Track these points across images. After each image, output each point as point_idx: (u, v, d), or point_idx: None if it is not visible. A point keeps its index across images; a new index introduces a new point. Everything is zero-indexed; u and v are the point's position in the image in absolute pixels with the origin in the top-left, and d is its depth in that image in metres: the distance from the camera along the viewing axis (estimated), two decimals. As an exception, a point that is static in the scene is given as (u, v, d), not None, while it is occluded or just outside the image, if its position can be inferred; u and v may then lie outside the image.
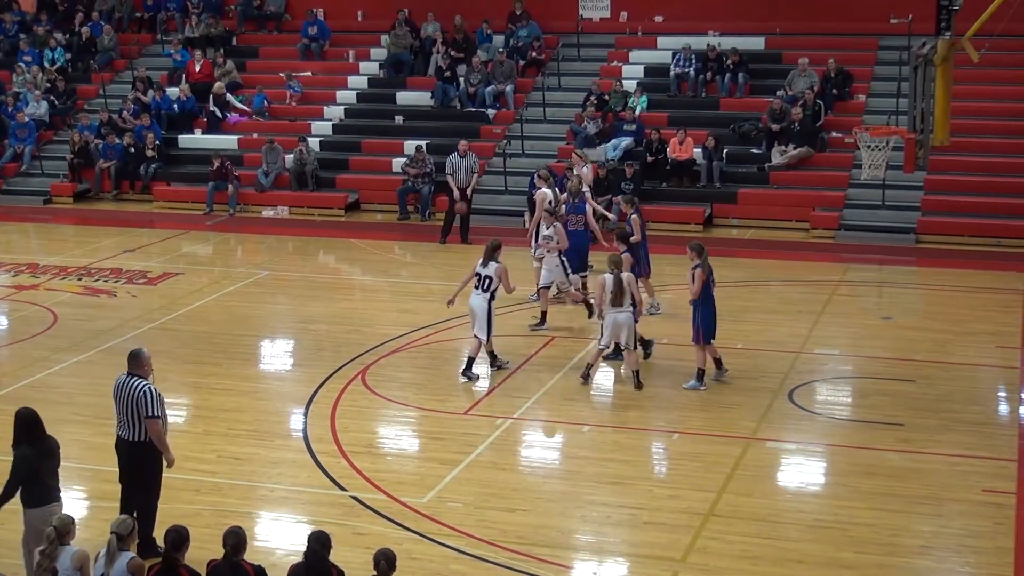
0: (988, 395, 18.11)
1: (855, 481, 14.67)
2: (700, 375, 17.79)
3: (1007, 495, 14.16)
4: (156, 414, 12.47)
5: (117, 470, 12.84)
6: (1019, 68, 30.46)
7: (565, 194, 22.16)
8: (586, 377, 17.96)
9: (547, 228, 20.74)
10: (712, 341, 17.81)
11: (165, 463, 12.65)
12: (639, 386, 17.69)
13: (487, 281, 18.12)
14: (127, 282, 23.96)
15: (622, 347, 17.71)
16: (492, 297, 18.20)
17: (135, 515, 11.59)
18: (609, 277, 17.42)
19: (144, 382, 12.56)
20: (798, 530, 13.43)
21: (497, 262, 18.22)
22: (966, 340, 20.11)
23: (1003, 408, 17.53)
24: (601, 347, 17.89)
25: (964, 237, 26.59)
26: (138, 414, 12.46)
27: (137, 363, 12.72)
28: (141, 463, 12.61)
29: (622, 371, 18.30)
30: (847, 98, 30.72)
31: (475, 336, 18.31)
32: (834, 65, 30.52)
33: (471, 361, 18.37)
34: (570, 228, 21.14)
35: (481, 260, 18.34)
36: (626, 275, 17.50)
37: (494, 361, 18.54)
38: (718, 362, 18.02)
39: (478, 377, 18.25)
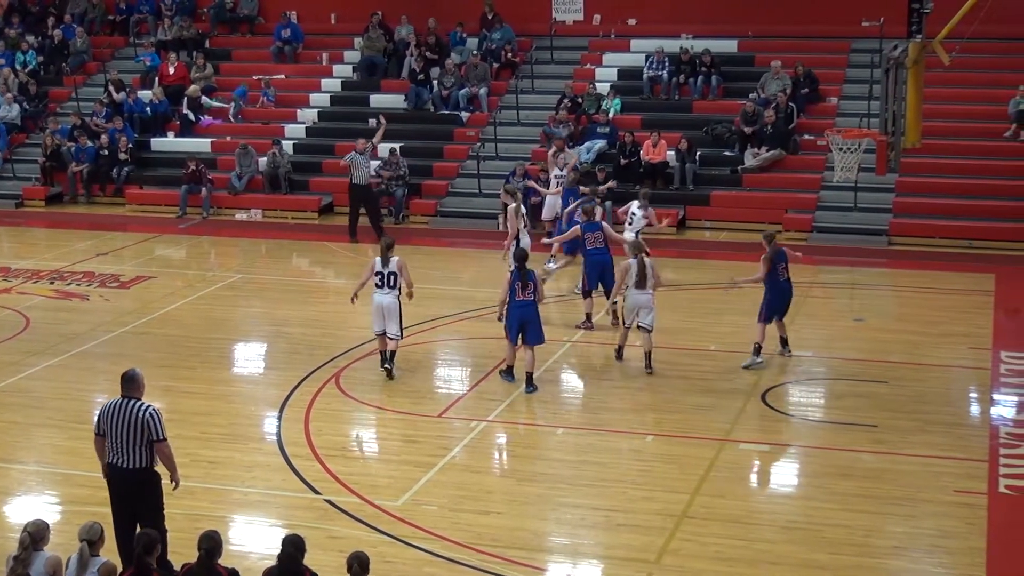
0: (960, 396, 18.21)
1: (829, 482, 14.72)
2: (757, 350, 18.76)
3: (979, 495, 14.23)
4: (166, 436, 11.83)
5: (91, 475, 12.66)
6: (989, 71, 30.64)
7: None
8: (620, 355, 19.12)
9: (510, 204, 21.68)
10: (779, 320, 19.00)
11: (172, 483, 12.05)
12: (649, 368, 18.57)
13: (392, 278, 18.16)
14: (100, 285, 23.88)
15: (641, 326, 18.62)
16: (399, 292, 18.27)
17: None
18: (633, 262, 18.54)
19: (145, 404, 11.86)
20: (772, 531, 13.47)
21: (396, 257, 18.28)
22: (938, 341, 20.20)
23: (975, 409, 17.62)
24: (627, 326, 19.01)
25: (936, 239, 26.72)
26: (141, 439, 11.71)
27: (133, 385, 11.96)
28: (144, 490, 11.86)
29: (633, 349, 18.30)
30: (819, 101, 30.84)
31: (388, 337, 18.28)
32: (802, 69, 30.61)
33: (392, 355, 18.43)
34: (589, 247, 20.97)
35: (380, 260, 18.21)
36: (650, 260, 18.82)
37: (392, 359, 18.47)
38: (783, 341, 19.12)
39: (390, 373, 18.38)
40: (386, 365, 18.38)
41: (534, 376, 17.91)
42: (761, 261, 18.75)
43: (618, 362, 19.00)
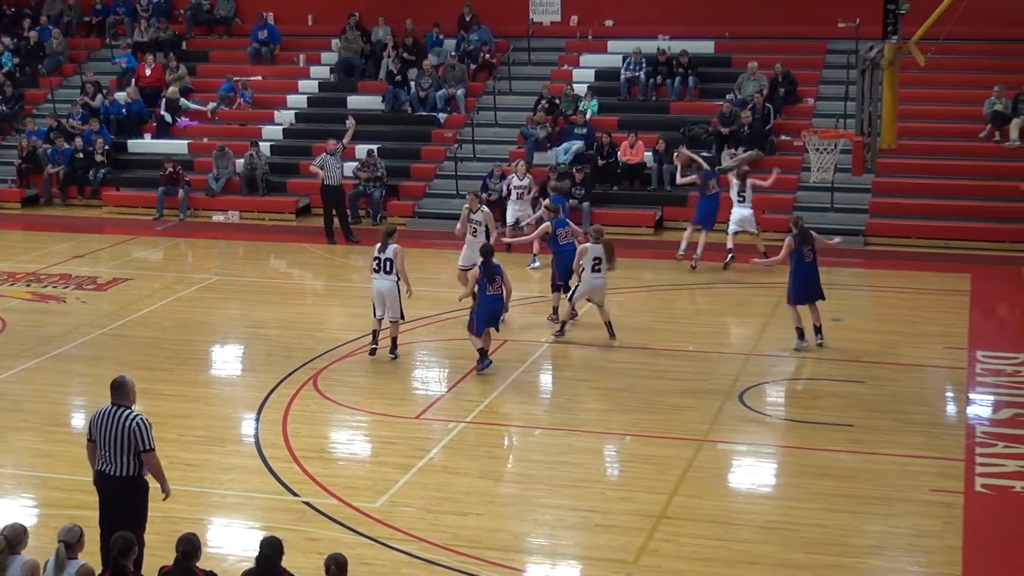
0: (937, 396, 18.26)
1: (806, 482, 14.76)
2: (800, 333, 19.50)
3: (955, 495, 14.28)
4: (153, 446, 11.74)
5: (68, 478, 12.61)
6: (965, 71, 30.75)
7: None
8: (561, 331, 20.16)
9: (474, 213, 21.12)
10: (812, 306, 19.61)
11: (162, 494, 12.00)
12: (613, 335, 19.86)
13: (388, 264, 18.98)
14: (77, 288, 23.80)
15: (597, 303, 19.96)
16: (398, 278, 19.03)
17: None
18: (591, 246, 19.59)
19: (134, 413, 11.75)
20: (750, 531, 13.50)
21: (394, 244, 19.09)
22: (915, 341, 20.28)
23: (951, 408, 17.68)
24: (573, 301, 20.01)
25: (912, 239, 26.83)
26: (129, 448, 11.64)
27: (122, 392, 11.82)
28: (129, 498, 11.81)
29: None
30: (796, 101, 30.91)
31: (390, 321, 19.24)
32: (781, 69, 30.73)
33: (394, 340, 19.31)
34: (561, 242, 20.87)
35: (379, 245, 19.10)
36: (608, 245, 19.71)
37: (394, 345, 19.36)
38: (817, 329, 19.64)
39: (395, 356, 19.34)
40: (391, 353, 19.23)
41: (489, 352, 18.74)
42: (785, 243, 19.57)
43: (558, 336, 20.05)
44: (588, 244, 19.70)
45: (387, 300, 19.06)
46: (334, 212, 27.84)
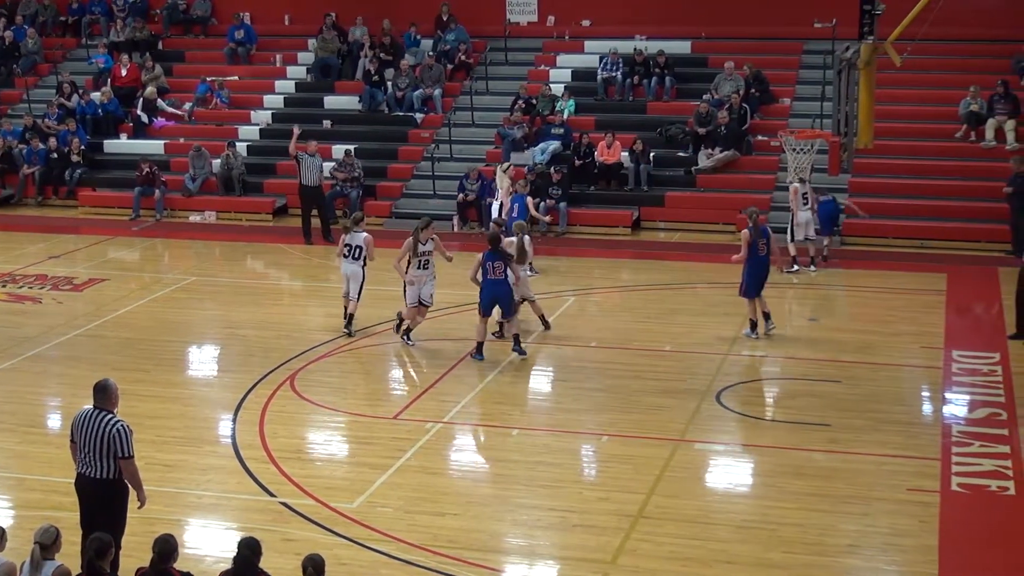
0: (913, 395, 18.32)
1: (783, 482, 14.78)
2: (752, 325, 20.13)
3: (931, 494, 14.32)
4: (132, 454, 11.62)
5: (44, 479, 12.55)
6: (940, 72, 30.87)
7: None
8: (501, 333, 20.07)
9: (424, 244, 19.76)
10: (758, 296, 20.09)
11: (138, 502, 11.87)
12: (547, 326, 20.53)
13: (357, 250, 20.25)
14: (52, 288, 23.71)
15: (527, 299, 20.30)
16: (364, 263, 20.31)
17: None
18: (514, 239, 20.28)
19: (115, 418, 11.61)
20: (727, 531, 13.51)
21: (363, 232, 20.45)
22: (891, 341, 20.33)
23: (927, 408, 17.74)
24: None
25: (888, 239, 26.90)
26: (109, 452, 11.53)
27: (105, 396, 11.68)
28: (108, 502, 11.72)
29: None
30: (772, 102, 30.99)
31: (346, 297, 20.47)
32: (751, 70, 30.78)
33: (350, 317, 20.41)
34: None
35: (349, 234, 20.46)
36: (527, 238, 20.63)
37: (350, 322, 20.40)
38: (766, 316, 20.17)
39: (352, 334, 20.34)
40: (345, 329, 20.36)
41: (520, 339, 19.32)
42: (743, 238, 20.05)
43: (496, 337, 19.92)
44: (511, 238, 20.46)
45: (351, 280, 20.34)
46: (313, 212, 27.77)
